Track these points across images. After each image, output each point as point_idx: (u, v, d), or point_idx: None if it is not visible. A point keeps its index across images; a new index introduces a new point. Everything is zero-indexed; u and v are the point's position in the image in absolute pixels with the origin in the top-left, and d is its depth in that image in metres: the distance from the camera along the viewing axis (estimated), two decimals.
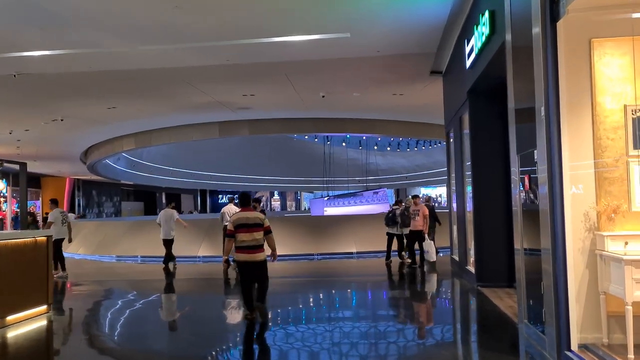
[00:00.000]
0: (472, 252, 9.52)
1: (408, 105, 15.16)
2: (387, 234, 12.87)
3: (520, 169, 5.70)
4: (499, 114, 8.38)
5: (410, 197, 13.18)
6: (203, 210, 54.99)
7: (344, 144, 41.91)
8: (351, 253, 14.85)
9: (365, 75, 12.03)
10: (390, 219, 12.72)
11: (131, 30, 8.50)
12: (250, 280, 6.87)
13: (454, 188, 11.02)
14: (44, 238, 7.16)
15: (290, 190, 59.38)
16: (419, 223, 11.99)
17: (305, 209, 55.04)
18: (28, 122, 15.87)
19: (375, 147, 43.97)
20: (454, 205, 11.58)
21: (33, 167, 29.70)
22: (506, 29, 5.82)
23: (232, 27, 8.52)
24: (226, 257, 7.33)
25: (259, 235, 6.73)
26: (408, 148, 45.39)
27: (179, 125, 17.93)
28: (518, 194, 5.78)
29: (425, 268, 11.77)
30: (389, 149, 44.73)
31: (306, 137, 42.26)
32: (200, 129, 17.78)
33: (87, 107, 14.30)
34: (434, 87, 12.86)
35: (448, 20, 8.41)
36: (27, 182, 34.49)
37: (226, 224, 13.80)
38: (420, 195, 62.77)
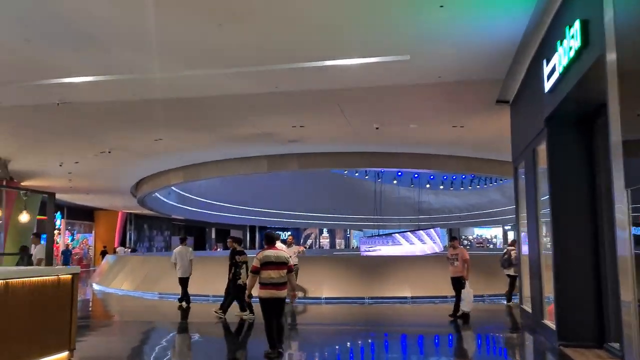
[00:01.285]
0: (547, 301, 8.29)
1: (468, 138, 14.09)
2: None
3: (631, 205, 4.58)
4: (585, 144, 7.32)
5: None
6: (252, 246, 54.64)
7: (395, 181, 40.93)
8: (405, 297, 13.67)
9: (423, 104, 11.13)
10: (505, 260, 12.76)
11: (173, 53, 7.95)
12: (272, 317, 7.01)
13: (525, 229, 9.82)
14: (68, 276, 6.47)
15: (340, 227, 58.40)
16: (458, 268, 10.83)
17: (354, 247, 53.87)
18: (77, 154, 15.71)
19: (428, 186, 42.70)
20: (524, 248, 10.35)
21: (85, 201, 30.11)
22: (607, 44, 4.83)
23: (280, 48, 7.83)
24: (249, 293, 7.40)
25: (284, 272, 6.99)
26: (462, 187, 43.93)
27: (227, 159, 17.45)
28: (629, 236, 4.65)
29: (460, 317, 10.52)
30: (441, 187, 43.41)
31: (357, 174, 41.51)
32: (248, 163, 17.22)
33: (134, 139, 13.97)
34: (499, 119, 11.80)
35: (522, 39, 7.45)
36: (81, 215, 35.24)
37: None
38: (475, 236, 60.69)
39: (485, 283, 14.31)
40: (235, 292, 11.16)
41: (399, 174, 41.01)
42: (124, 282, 17.35)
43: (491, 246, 56.61)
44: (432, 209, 46.33)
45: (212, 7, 6.43)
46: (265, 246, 7.26)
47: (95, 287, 19.64)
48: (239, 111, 11.36)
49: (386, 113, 11.84)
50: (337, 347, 8.68)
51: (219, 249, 48.94)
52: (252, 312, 10.72)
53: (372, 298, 13.62)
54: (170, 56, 8.14)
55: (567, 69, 6.05)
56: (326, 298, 13.71)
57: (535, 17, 6.85)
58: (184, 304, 12.68)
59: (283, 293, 7.02)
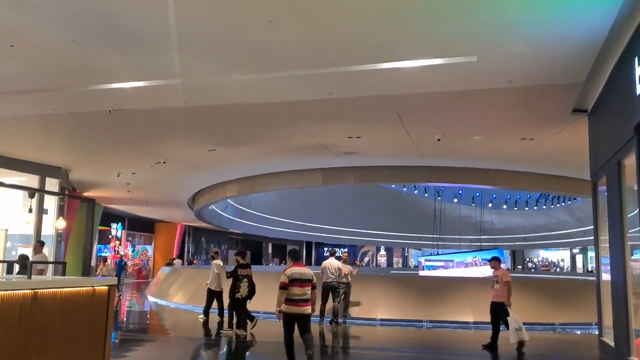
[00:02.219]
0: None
1: (538, 152, 13.02)
2: None
3: None
4: None
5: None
6: (308, 262, 54.26)
7: (455, 200, 39.66)
8: (467, 322, 12.68)
9: (490, 113, 10.27)
10: None
11: (222, 53, 7.53)
12: (292, 332, 7.34)
13: (606, 252, 8.76)
14: (105, 288, 6.07)
15: (398, 246, 57.17)
16: (499, 292, 9.77)
17: (412, 266, 52.51)
18: (133, 164, 15.71)
19: (490, 205, 41.16)
20: (606, 272, 9.25)
21: (145, 212, 30.59)
22: None
23: (334, 48, 7.27)
24: (279, 309, 7.31)
25: (309, 289, 7.30)
26: (527, 207, 41.98)
27: (282, 171, 17.03)
28: None
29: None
30: (505, 207, 41.67)
31: (416, 191, 40.54)
32: (303, 176, 16.74)
33: (188, 149, 13.76)
34: (574, 130, 10.76)
35: (608, 35, 6.55)
36: (141, 227, 35.88)
37: (326, 280, 12.42)
38: (541, 259, 58.04)
39: (557, 310, 13.13)
40: (233, 305, 10.89)
41: (460, 192, 39.72)
42: (176, 295, 17.16)
43: (558, 270, 53.85)
44: (494, 229, 44.62)
45: (263, 1, 5.95)
46: (291, 263, 7.63)
47: (150, 299, 19.61)
48: (292, 119, 10.86)
49: (449, 123, 11.04)
50: None
51: (271, 264, 48.93)
52: (245, 328, 10.65)
53: (431, 321, 12.73)
54: (219, 58, 7.74)
55: None
56: (381, 319, 12.93)
57: (626, 9, 5.96)
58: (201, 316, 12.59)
59: (307, 309, 7.31)
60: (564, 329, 12.48)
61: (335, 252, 12.87)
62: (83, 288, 5.78)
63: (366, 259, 60.89)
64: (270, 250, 54.08)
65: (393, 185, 39.29)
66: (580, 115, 9.81)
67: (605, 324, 9.15)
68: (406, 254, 62.36)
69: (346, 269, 12.65)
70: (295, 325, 7.42)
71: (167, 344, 10.69)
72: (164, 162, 15.05)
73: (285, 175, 17.05)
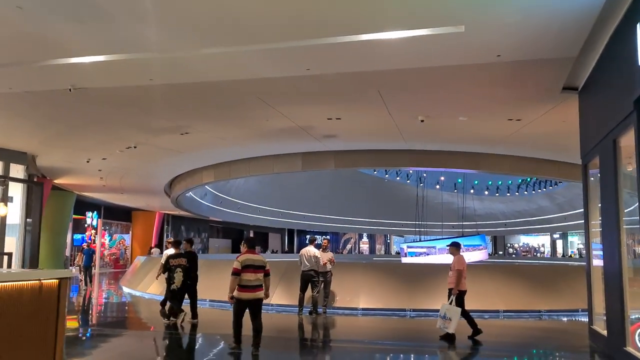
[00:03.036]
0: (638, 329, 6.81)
1: (525, 135, 12.56)
2: None
3: None
4: None
5: None
6: (290, 250, 53.80)
7: (437, 186, 39.46)
8: None
9: (476, 92, 9.75)
10: None
11: (188, 26, 6.88)
12: (242, 317, 7.52)
13: (597, 237, 8.35)
14: (54, 281, 5.43)
15: (380, 233, 56.92)
16: (451, 279, 9.31)
17: (394, 252, 52.38)
18: (102, 149, 14.94)
19: (472, 191, 40.99)
20: (597, 258, 8.85)
21: (122, 200, 29.67)
22: None
23: (310, 18, 6.64)
24: (231, 295, 7.47)
25: (261, 275, 7.56)
26: (508, 192, 41.90)
27: (259, 156, 16.39)
28: None
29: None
30: (486, 193, 41.53)
31: (398, 178, 40.22)
32: (281, 161, 16.11)
33: (159, 133, 13.05)
34: (563, 110, 10.33)
35: (607, 0, 6.04)
36: (118, 215, 34.97)
37: (304, 269, 11.89)
38: (521, 245, 58.61)
39: (542, 297, 12.77)
40: (168, 296, 10.53)
41: (442, 178, 39.43)
42: (150, 285, 16.51)
43: (538, 255, 54.17)
44: (476, 215, 44.59)
45: None
46: (245, 250, 7.78)
47: (125, 289, 18.93)
48: (268, 99, 10.23)
49: (432, 103, 10.50)
50: None
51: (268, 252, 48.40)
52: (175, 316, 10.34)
53: (414, 310, 12.27)
54: (185, 30, 7.08)
55: None
56: (363, 309, 12.44)
57: None
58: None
59: (260, 294, 7.52)
60: (550, 317, 12.11)
61: (315, 239, 12.29)
62: (27, 282, 5.13)
63: (348, 246, 60.59)
64: None
65: (375, 172, 38.93)
66: (570, 93, 9.35)
67: (596, 311, 8.77)
68: (388, 241, 62.22)
69: (325, 257, 12.10)
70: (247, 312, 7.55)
71: (128, 338, 10.04)
72: (135, 147, 14.33)
73: (264, 161, 16.42)
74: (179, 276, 10.31)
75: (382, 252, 59.51)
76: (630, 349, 6.73)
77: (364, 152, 15.39)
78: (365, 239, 60.81)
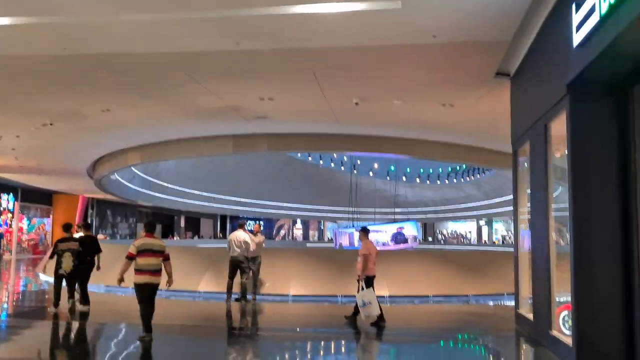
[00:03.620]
0: (561, 313, 6.87)
1: (457, 121, 12.62)
2: None
3: None
4: (617, 116, 5.89)
5: None
6: (223, 236, 52.90)
7: (371, 173, 39.77)
8: (382, 296, 12.17)
9: (410, 74, 9.60)
10: None
11: None
12: (147, 301, 7.30)
13: (529, 222, 8.42)
14: None
15: (314, 219, 56.99)
16: (358, 265, 9.08)
17: (328, 239, 52.61)
18: (15, 126, 13.80)
19: (404, 179, 41.62)
20: (523, 244, 8.94)
21: (41, 183, 27.91)
22: None
23: None
24: (119, 277, 7.32)
25: (161, 260, 7.38)
26: (438, 180, 42.90)
27: (188, 137, 15.64)
28: None
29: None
30: (418, 180, 42.28)
31: (332, 164, 40.24)
32: (212, 143, 15.47)
33: (77, 108, 12.12)
34: (495, 96, 10.36)
35: None
36: (37, 198, 32.95)
37: (233, 254, 11.46)
38: (450, 231, 60.61)
39: (470, 282, 12.96)
40: (55, 281, 10.07)
41: (376, 165, 39.79)
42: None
43: (465, 241, 56.03)
44: (408, 202, 45.40)
45: None
46: (144, 234, 7.70)
47: (42, 277, 17.73)
48: (196, 75, 9.64)
49: (368, 85, 10.27)
50: None
51: (188, 238, 47.21)
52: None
53: (346, 296, 12.09)
54: None
55: (614, 8, 4.55)
56: (294, 295, 12.16)
57: None
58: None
59: (157, 279, 7.37)
60: (477, 301, 12.30)
61: (245, 223, 11.88)
62: None
63: (282, 232, 60.36)
64: (183, 224, 52.15)
65: (310, 159, 38.75)
66: (502, 79, 9.36)
67: (522, 295, 8.87)
68: (322, 227, 62.48)
69: (261, 238, 11.71)
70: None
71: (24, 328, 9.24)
72: (51, 124, 13.29)
73: (193, 142, 15.71)
74: (67, 260, 9.75)
75: (316, 238, 59.70)
76: (555, 332, 6.78)
77: (297, 136, 15.03)
78: (299, 225, 60.77)
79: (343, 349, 7.82)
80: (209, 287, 12.46)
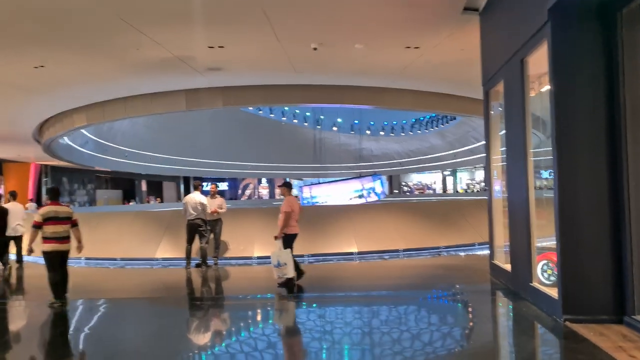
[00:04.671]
0: (539, 263, 6.40)
1: (423, 65, 11.87)
2: None
3: None
4: (604, 44, 5.26)
5: None
6: None
7: (335, 128, 39.15)
8: (351, 254, 11.69)
9: (372, 14, 8.76)
10: None
11: None
12: (57, 269, 7.25)
13: (505, 167, 7.87)
14: None
15: (279, 177, 56.31)
16: (279, 222, 8.40)
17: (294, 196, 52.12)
18: None
19: (368, 132, 41.23)
20: (498, 190, 8.44)
21: None
22: None
23: None
24: (29, 247, 7.45)
25: (68, 227, 7.35)
26: (402, 132, 42.58)
27: (137, 94, 14.48)
28: None
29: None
30: (382, 133, 41.97)
31: (295, 120, 39.37)
32: (163, 100, 14.38)
33: (5, 65, 10.90)
34: (462, 36, 9.67)
35: None
36: None
37: (189, 218, 10.69)
38: (415, 183, 61.10)
39: (441, 233, 12.55)
40: None
41: (339, 120, 39.08)
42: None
43: (431, 192, 56.45)
44: (373, 156, 45.24)
45: None
46: (49, 202, 7.57)
47: None
48: (133, 21, 8.60)
49: (325, 26, 9.40)
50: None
51: (151, 202, 45.99)
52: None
53: (313, 255, 11.55)
54: None
55: None
56: (258, 257, 11.52)
57: None
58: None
59: (66, 246, 7.34)
60: (449, 252, 11.92)
61: (200, 184, 11.02)
62: None
63: (248, 192, 59.61)
64: (144, 188, 50.74)
65: (272, 115, 37.75)
66: (471, 14, 8.63)
67: (498, 244, 8.42)
68: None
69: (214, 204, 10.92)
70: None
71: None
72: None
73: (142, 100, 14.57)
74: None
75: (282, 196, 59.18)
76: (536, 284, 6.32)
77: (254, 88, 14.07)
78: (264, 183, 60.05)
79: (305, 313, 7.23)
80: (166, 254, 11.70)
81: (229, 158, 42.20)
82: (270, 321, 6.89)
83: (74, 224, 7.45)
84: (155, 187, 51.54)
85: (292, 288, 8.08)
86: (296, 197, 9.72)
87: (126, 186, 47.95)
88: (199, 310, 7.68)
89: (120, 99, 14.71)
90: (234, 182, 58.03)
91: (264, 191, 60.36)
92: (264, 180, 59.07)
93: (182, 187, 53.84)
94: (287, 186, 8.96)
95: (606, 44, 5.24)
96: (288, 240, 8.37)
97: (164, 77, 12.65)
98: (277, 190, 59.24)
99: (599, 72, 5.28)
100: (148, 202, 46.82)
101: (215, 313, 7.45)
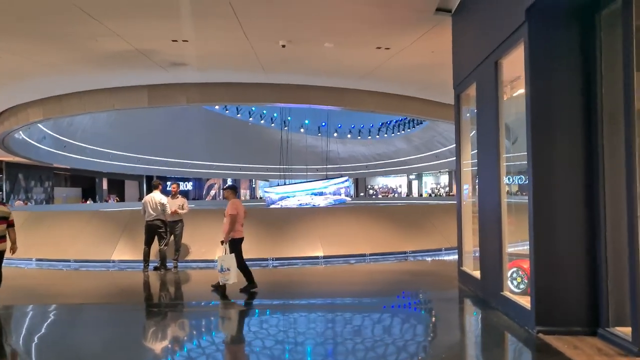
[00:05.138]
0: (509, 271, 6.24)
1: (393, 67, 11.69)
2: None
3: None
4: (582, 46, 5.12)
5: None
6: None
7: (302, 129, 38.93)
8: (317, 257, 11.38)
9: (342, 11, 8.50)
10: None
11: None
12: None
13: (478, 171, 7.71)
14: None
15: (245, 177, 55.64)
16: (224, 227, 8.07)
17: (259, 197, 51.66)
18: None
19: (335, 134, 41.19)
20: (467, 194, 8.29)
21: None
22: None
23: None
24: None
25: (4, 227, 7.23)
26: (369, 136, 42.69)
27: (96, 89, 13.89)
28: None
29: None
30: (349, 136, 42.00)
31: (262, 121, 39.01)
32: (124, 95, 13.82)
33: None
34: (434, 37, 9.51)
35: None
36: None
37: (148, 219, 10.23)
38: (381, 186, 61.62)
39: (408, 238, 12.36)
40: None
41: (307, 122, 38.86)
42: None
43: (396, 195, 56.76)
44: (339, 158, 45.24)
45: None
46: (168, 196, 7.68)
47: None
48: (92, 10, 8.12)
49: (294, 23, 9.09)
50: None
51: (111, 201, 44.77)
52: None
53: (277, 259, 11.20)
54: None
55: None
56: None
57: None
58: None
59: (3, 246, 7.23)
60: (415, 257, 11.73)
61: (160, 184, 10.55)
62: None
63: (212, 192, 58.74)
64: (105, 187, 49.42)
65: (239, 115, 37.28)
66: (443, 15, 8.46)
67: (466, 249, 8.25)
68: (254, 186, 61.34)
69: (175, 204, 10.47)
70: None
71: None
72: None
73: (102, 94, 13.98)
74: None
75: (248, 197, 58.59)
76: (507, 293, 6.15)
77: (220, 86, 13.64)
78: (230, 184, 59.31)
79: (258, 322, 6.89)
80: (124, 256, 11.17)
81: (194, 157, 41.51)
82: (219, 332, 6.51)
83: (10, 224, 7.34)
84: (117, 185, 50.28)
85: (224, 294, 7.82)
86: (261, 199, 9.36)
87: (86, 184, 46.59)
88: (153, 318, 7.25)
89: (78, 93, 14.07)
90: (198, 182, 57.13)
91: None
92: (229, 180, 58.36)
93: (144, 186, 52.70)
94: (232, 189, 8.72)
95: (584, 46, 5.09)
96: (234, 245, 8.01)
97: (125, 71, 12.13)
98: (243, 191, 58.62)
99: (576, 75, 5.12)
100: (107, 201, 45.58)
101: (169, 322, 7.03)
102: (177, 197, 10.78)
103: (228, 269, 7.75)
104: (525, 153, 5.33)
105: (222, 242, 8.07)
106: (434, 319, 6.89)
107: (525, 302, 5.56)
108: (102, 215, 13.64)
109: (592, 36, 5.03)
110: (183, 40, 9.75)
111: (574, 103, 5.13)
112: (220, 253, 8.05)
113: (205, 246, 11.35)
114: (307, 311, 7.03)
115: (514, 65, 6.08)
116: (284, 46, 9.93)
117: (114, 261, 11.13)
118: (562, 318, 5.10)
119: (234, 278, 7.77)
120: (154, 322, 6.98)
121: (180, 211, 10.52)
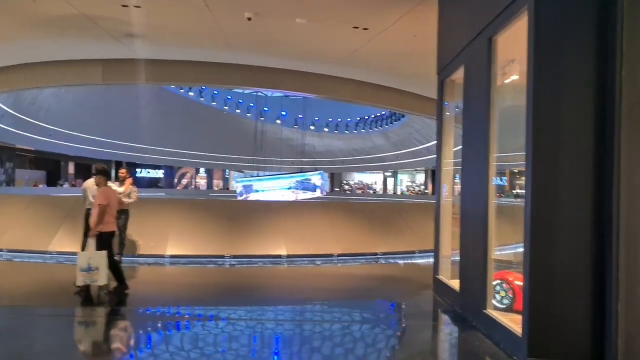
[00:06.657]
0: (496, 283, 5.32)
1: (372, 52, 10.70)
2: None
3: None
4: (599, 13, 4.15)
5: None
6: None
7: (278, 121, 37.92)
8: (279, 256, 10.35)
9: None
10: None
11: None
12: None
13: (462, 168, 6.76)
14: None
15: (218, 167, 54.26)
16: (92, 219, 7.02)
17: (233, 188, 50.46)
18: None
19: (312, 127, 40.24)
20: (446, 194, 7.35)
21: None
22: None
23: None
24: None
25: None
26: (346, 130, 41.85)
27: (44, 61, 12.55)
28: None
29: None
30: (326, 130, 41.07)
31: (238, 111, 37.84)
32: (75, 69, 12.52)
33: None
34: (417, 18, 8.56)
35: None
36: None
37: (88, 206, 9.04)
38: (357, 182, 60.99)
39: (380, 238, 11.41)
40: None
41: (284, 113, 37.83)
42: None
43: (372, 192, 56.07)
44: (315, 152, 44.33)
45: None
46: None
47: None
48: None
49: None
50: None
51: (66, 185, 43.04)
52: None
53: (235, 257, 10.13)
54: None
55: None
56: (171, 256, 9.99)
57: None
58: None
59: None
60: (387, 260, 10.79)
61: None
62: None
63: (184, 181, 57.32)
64: (72, 171, 47.63)
65: (214, 103, 36.06)
66: None
67: (444, 253, 7.32)
68: (227, 176, 60.02)
69: (121, 191, 9.29)
70: None
71: None
72: None
73: (50, 68, 12.64)
74: None
75: (220, 187, 57.31)
76: (491, 312, 5.21)
77: (183, 64, 12.46)
78: (202, 173, 57.89)
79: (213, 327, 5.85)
80: (64, 247, 9.99)
81: (166, 145, 40.06)
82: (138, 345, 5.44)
83: None
84: (84, 169, 48.47)
85: (91, 298, 6.71)
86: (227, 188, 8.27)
87: (51, 167, 44.75)
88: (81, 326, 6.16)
89: (21, 65, 12.71)
90: (170, 170, 55.61)
91: (201, 181, 58.28)
92: (202, 170, 56.96)
93: (113, 171, 50.97)
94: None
95: (601, 13, 4.14)
96: (103, 240, 6.88)
97: (73, 40, 10.90)
98: (215, 181, 57.33)
99: (590, 48, 4.17)
100: (74, 185, 43.85)
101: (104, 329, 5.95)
102: (126, 184, 9.60)
103: (97, 268, 6.60)
104: (519, 147, 4.40)
105: (89, 236, 6.93)
106: (401, 342, 5.79)
107: (513, 324, 4.63)
108: (43, 200, 12.41)
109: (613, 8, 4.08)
110: (135, 6, 8.58)
111: (586, 87, 4.19)
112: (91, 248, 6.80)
113: (155, 240, 10.23)
114: (256, 322, 5.98)
115: (508, 46, 5.18)
116: (249, 19, 8.85)
117: (51, 252, 9.95)
118: (560, 348, 4.17)
119: (104, 279, 6.67)
120: (85, 325, 5.87)
121: (126, 200, 9.36)
